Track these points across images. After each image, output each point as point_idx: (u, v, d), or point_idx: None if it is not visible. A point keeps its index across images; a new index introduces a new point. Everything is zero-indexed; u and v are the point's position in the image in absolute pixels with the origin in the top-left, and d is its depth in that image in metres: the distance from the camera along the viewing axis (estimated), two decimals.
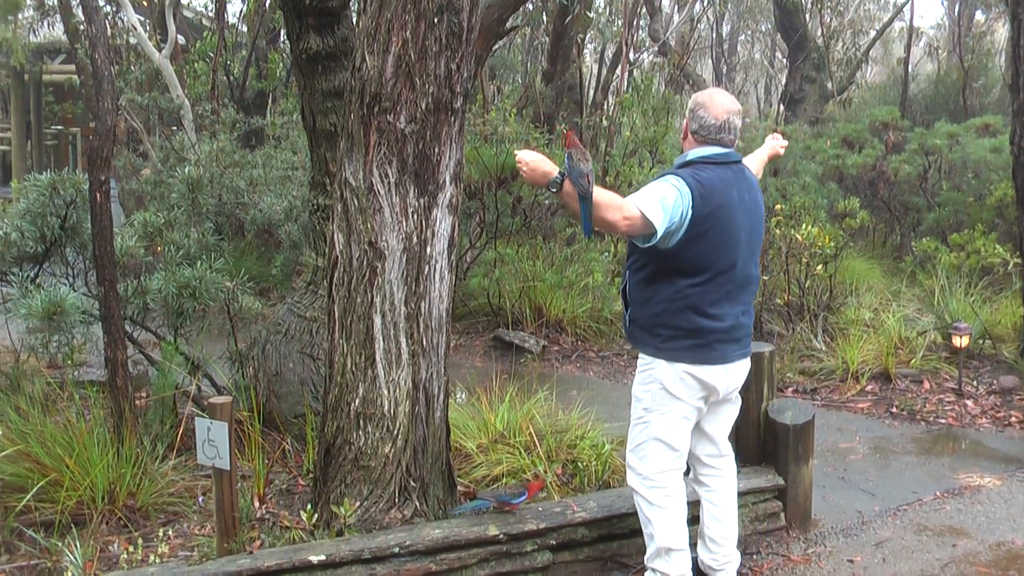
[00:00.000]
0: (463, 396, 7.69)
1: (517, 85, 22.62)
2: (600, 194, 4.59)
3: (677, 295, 4.75)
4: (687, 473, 5.22)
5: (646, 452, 4.92)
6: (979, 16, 29.33)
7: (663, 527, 4.90)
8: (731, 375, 4.93)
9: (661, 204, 4.54)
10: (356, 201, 5.08)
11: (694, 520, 5.27)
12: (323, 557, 4.75)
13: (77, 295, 6.98)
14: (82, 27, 17.63)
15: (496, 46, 15.04)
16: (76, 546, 5.16)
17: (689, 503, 5.24)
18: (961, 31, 26.58)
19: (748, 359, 5.06)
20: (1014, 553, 5.89)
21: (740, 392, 5.18)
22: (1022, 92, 9.34)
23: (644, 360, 4.93)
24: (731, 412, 5.19)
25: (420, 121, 5.00)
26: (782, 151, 6.00)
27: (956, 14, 28.28)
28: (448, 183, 5.20)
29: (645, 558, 5.03)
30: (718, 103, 4.89)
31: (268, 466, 6.28)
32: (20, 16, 23.05)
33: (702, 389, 4.82)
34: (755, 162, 5.76)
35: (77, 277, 7.59)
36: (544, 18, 20.17)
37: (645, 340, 4.90)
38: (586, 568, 5.47)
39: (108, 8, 21.12)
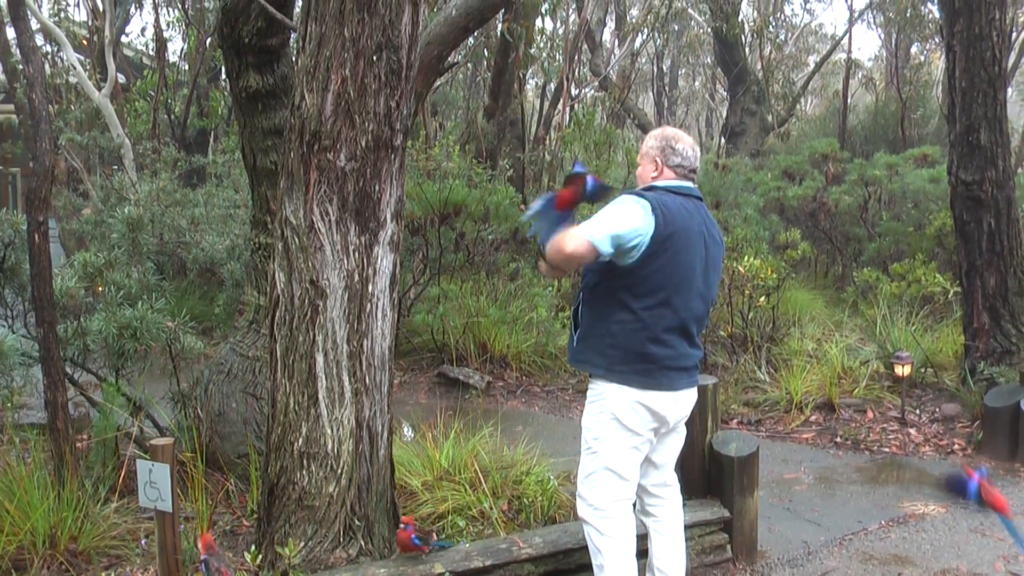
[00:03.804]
0: (409, 433, 7.66)
1: (459, 121, 22.68)
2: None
3: (630, 317, 4.77)
4: (634, 506, 5.24)
5: (596, 482, 4.91)
6: (915, 48, 29.74)
7: (613, 558, 4.89)
8: (680, 404, 4.94)
9: (610, 230, 4.64)
10: (297, 239, 5.07)
11: (642, 554, 5.27)
12: None
13: (16, 337, 6.90)
14: (20, 67, 17.53)
15: (437, 83, 15.06)
16: None
17: (637, 536, 5.25)
18: (898, 63, 26.95)
19: (696, 389, 5.07)
20: None
21: (685, 424, 5.19)
22: (959, 123, 9.48)
23: (594, 389, 4.92)
24: (677, 441, 5.19)
25: (360, 159, 5.00)
26: None
27: (893, 46, 28.64)
28: (389, 220, 5.20)
29: None
30: (687, 141, 5.05)
31: (212, 507, 6.22)
32: None
33: (653, 420, 4.83)
34: None
35: (16, 319, 7.52)
36: (486, 54, 20.25)
37: (595, 361, 4.89)
38: None
39: (48, 47, 21.02)
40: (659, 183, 4.95)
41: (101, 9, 20.17)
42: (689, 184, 4.98)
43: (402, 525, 5.17)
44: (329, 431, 5.16)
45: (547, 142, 19.00)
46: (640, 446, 4.89)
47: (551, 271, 5.06)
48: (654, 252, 4.67)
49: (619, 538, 4.90)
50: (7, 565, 5.50)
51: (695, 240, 4.79)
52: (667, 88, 39.23)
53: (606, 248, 4.61)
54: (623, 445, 4.84)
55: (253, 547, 5.38)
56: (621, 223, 4.65)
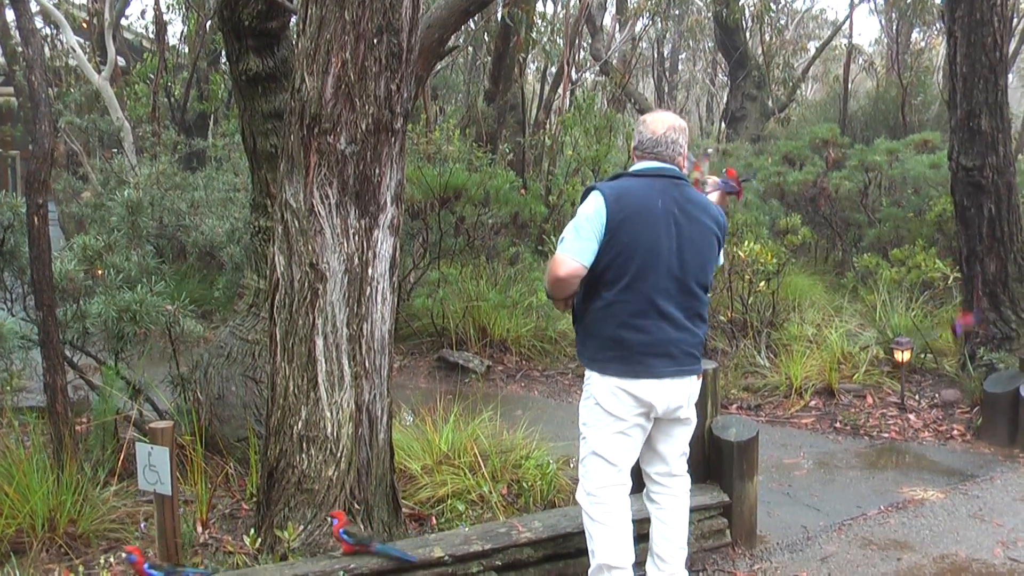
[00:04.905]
0: (408, 417, 7.66)
1: (460, 105, 22.62)
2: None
3: (602, 305, 4.83)
4: (641, 490, 5.24)
5: (587, 467, 4.97)
6: (916, 34, 29.63)
7: (602, 543, 4.91)
8: (670, 392, 4.86)
9: (580, 239, 4.77)
10: (297, 223, 5.06)
11: (645, 538, 5.27)
12: None
13: (15, 320, 6.91)
14: (19, 49, 17.49)
15: (438, 67, 15.02)
16: (15, 575, 5.09)
17: (640, 520, 5.25)
18: (899, 48, 26.82)
19: (693, 378, 4.97)
20: (958, 565, 5.93)
21: (692, 415, 5.15)
22: (960, 108, 9.45)
23: (586, 376, 5.00)
24: (682, 433, 5.13)
25: (360, 142, 4.99)
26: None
27: (894, 32, 28.53)
28: (389, 204, 5.19)
29: (588, 573, 5.03)
30: (657, 119, 5.04)
31: (211, 490, 6.22)
32: None
33: (638, 405, 4.82)
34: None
35: (15, 302, 7.51)
36: (486, 37, 20.20)
37: (582, 351, 5.02)
38: None
39: (47, 30, 20.97)
40: (633, 168, 5.01)
41: None
42: (656, 164, 4.95)
43: (329, 519, 5.10)
44: (329, 415, 5.15)
45: (547, 126, 18.95)
46: (628, 431, 4.89)
47: (562, 304, 5.14)
48: (610, 239, 4.74)
49: (610, 524, 4.92)
50: (6, 548, 5.51)
51: (657, 220, 4.78)
52: (668, 73, 39.17)
53: (588, 260, 4.75)
54: (608, 430, 4.88)
55: (252, 530, 5.39)
56: (584, 226, 4.77)
